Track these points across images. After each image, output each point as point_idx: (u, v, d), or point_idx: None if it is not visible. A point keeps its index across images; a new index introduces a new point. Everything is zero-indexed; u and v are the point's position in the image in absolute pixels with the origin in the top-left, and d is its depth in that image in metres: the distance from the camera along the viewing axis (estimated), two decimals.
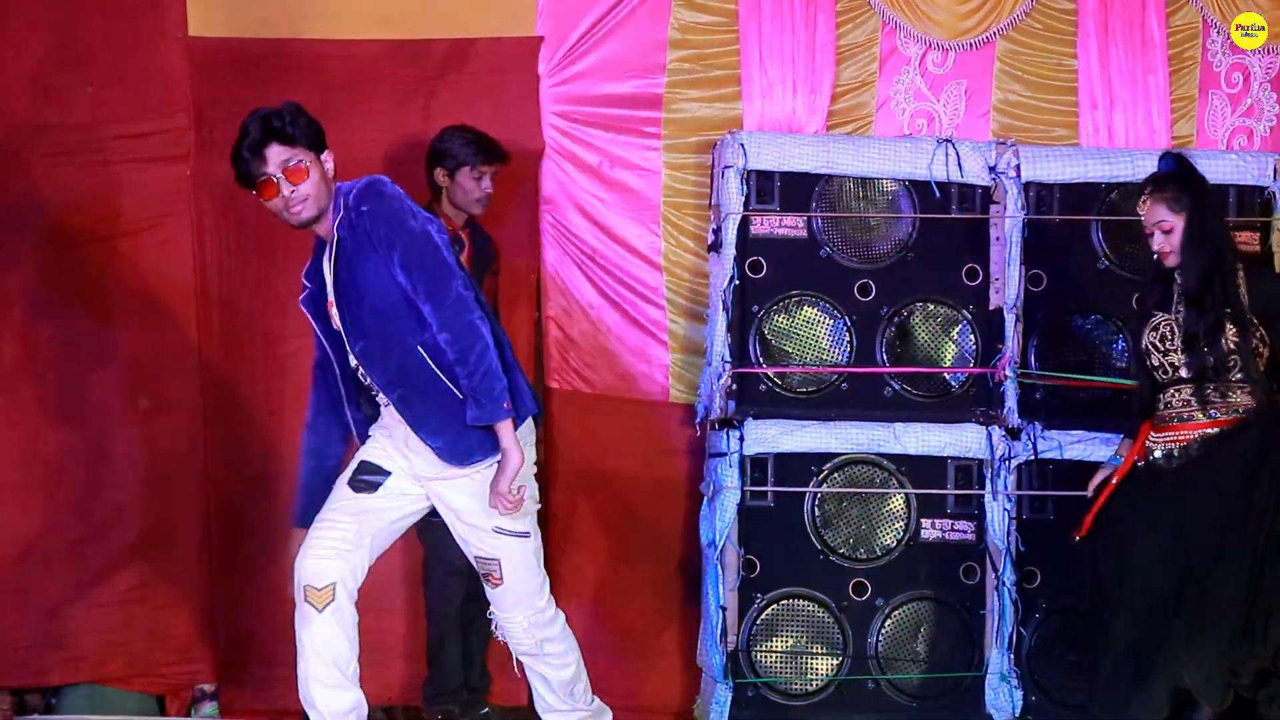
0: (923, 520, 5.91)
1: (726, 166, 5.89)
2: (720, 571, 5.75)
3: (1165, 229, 4.95)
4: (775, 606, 5.75)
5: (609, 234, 6.18)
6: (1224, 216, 5.05)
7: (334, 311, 4.43)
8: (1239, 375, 4.93)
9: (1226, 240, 5.05)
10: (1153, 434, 5.06)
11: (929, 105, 6.30)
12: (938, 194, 5.90)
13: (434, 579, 5.69)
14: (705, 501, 5.85)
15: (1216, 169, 5.86)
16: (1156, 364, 5.04)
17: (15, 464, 5.83)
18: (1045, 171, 5.98)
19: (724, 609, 5.72)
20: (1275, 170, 5.95)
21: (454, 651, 5.69)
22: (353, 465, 4.52)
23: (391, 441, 4.49)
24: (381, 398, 4.45)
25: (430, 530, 5.58)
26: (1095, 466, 5.65)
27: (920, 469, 5.90)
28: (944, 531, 5.92)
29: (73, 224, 5.88)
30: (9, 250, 5.85)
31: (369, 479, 4.49)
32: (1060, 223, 5.98)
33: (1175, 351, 5.00)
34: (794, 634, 5.77)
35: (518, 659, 4.64)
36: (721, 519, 5.71)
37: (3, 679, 5.84)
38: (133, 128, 5.91)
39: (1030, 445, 5.89)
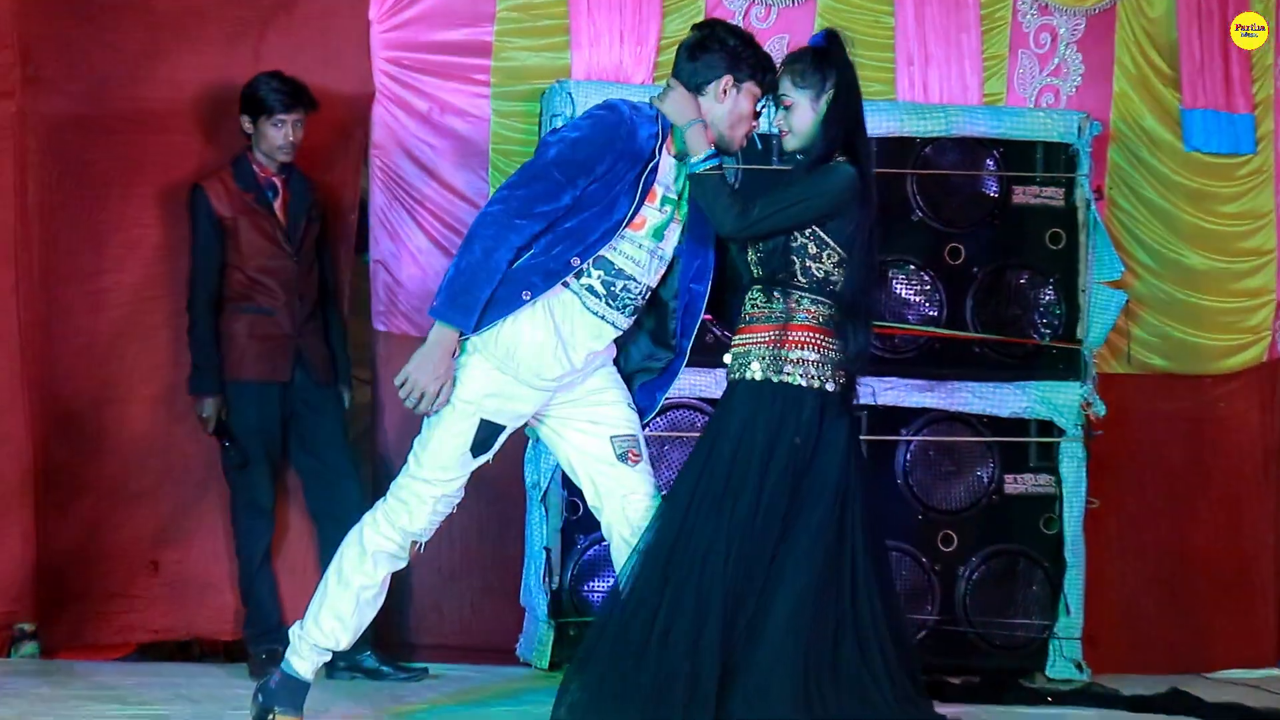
0: None
1: (554, 115, 5.89)
2: (544, 513, 5.79)
3: (785, 104, 4.34)
4: (598, 547, 5.72)
5: (438, 179, 6.18)
6: (862, 111, 4.41)
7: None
8: (800, 282, 4.30)
9: (859, 135, 4.37)
10: (734, 337, 4.43)
11: None
12: (759, 145, 5.75)
13: (240, 520, 5.67)
14: (529, 444, 5.79)
15: (1024, 125, 5.99)
16: (751, 259, 4.39)
17: None
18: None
19: (548, 550, 5.76)
20: (1079, 128, 6.00)
21: (266, 590, 5.66)
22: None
23: None
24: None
25: (235, 472, 5.62)
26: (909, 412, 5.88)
27: None
28: None
29: None
30: None
31: None
32: (877, 175, 5.94)
33: (759, 250, 4.35)
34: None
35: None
36: (545, 461, 5.72)
37: None
38: None
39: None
